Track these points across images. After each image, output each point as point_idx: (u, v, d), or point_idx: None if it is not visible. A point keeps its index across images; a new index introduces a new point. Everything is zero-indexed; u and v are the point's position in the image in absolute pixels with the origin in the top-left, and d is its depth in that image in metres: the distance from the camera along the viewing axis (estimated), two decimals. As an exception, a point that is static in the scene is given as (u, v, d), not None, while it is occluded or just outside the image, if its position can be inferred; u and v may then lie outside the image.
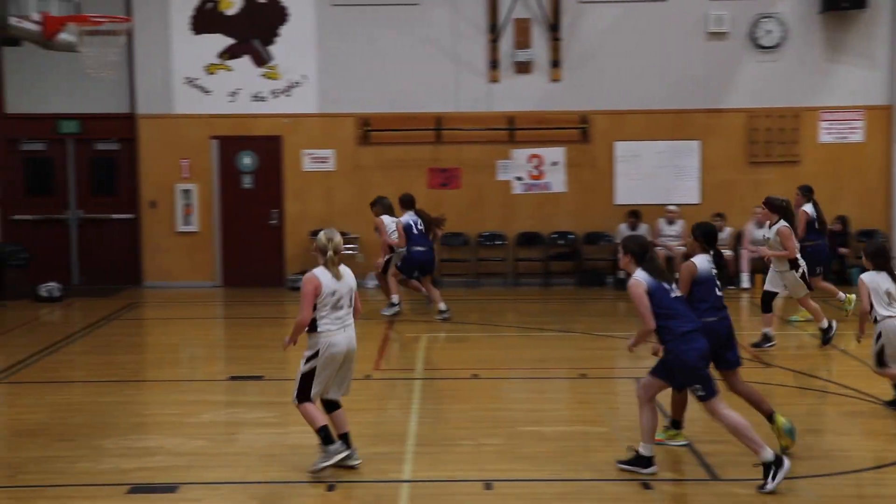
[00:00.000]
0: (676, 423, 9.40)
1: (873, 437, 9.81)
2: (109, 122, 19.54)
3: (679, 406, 9.34)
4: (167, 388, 12.12)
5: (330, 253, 8.60)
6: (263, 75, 19.44)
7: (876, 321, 10.10)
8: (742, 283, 18.43)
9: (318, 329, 8.54)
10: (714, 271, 9.06)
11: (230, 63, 19.43)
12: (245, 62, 19.43)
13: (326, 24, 19.30)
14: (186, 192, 19.47)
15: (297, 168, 19.48)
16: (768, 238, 13.01)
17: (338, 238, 8.70)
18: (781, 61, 19.27)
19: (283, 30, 19.40)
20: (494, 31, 19.20)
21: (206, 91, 19.40)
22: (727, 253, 18.30)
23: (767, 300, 13.20)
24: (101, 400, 11.26)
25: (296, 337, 8.65)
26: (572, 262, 19.49)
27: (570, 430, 9.90)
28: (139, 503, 8.09)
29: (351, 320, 8.74)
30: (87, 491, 8.35)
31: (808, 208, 14.80)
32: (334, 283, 8.57)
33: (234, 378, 12.16)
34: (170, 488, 8.35)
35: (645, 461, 8.60)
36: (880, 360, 10.21)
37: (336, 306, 8.58)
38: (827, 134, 19.44)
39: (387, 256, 16.02)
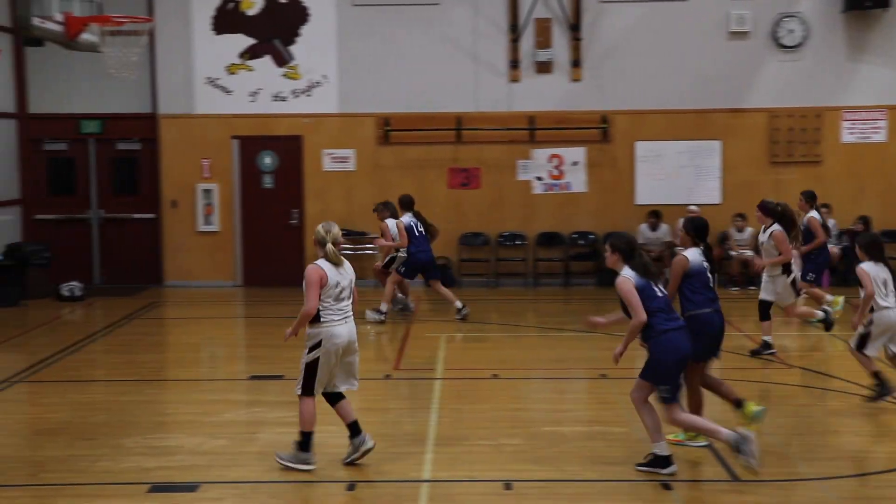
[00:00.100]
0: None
1: (892, 438, 9.76)
2: (131, 122, 19.62)
3: (695, 410, 9.31)
4: (188, 388, 12.16)
5: (329, 245, 8.68)
6: (284, 75, 19.48)
7: (872, 310, 10.32)
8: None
9: (321, 320, 8.62)
10: (705, 264, 9.14)
11: (251, 63, 19.48)
12: (266, 62, 19.47)
13: (347, 24, 19.32)
14: (207, 191, 19.53)
15: (318, 168, 19.52)
16: (762, 242, 12.86)
17: (336, 230, 8.78)
18: (803, 61, 19.18)
19: (304, 30, 19.44)
20: (515, 30, 19.18)
21: (227, 91, 19.46)
22: (747, 254, 18.29)
23: (764, 309, 12.95)
24: (123, 399, 11.31)
25: (299, 328, 8.72)
26: (592, 263, 19.44)
27: (590, 431, 9.88)
28: (160, 502, 8.11)
29: (351, 312, 8.84)
30: (108, 490, 8.39)
31: (816, 215, 14.74)
32: (337, 274, 8.67)
33: (254, 377, 12.19)
34: (190, 487, 8.38)
35: (663, 461, 8.57)
36: (862, 343, 10.46)
37: (338, 297, 8.68)
38: (849, 134, 19.34)
39: (389, 257, 15.99)
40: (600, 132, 19.32)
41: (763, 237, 12.83)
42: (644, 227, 18.88)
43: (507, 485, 8.41)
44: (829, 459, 9.08)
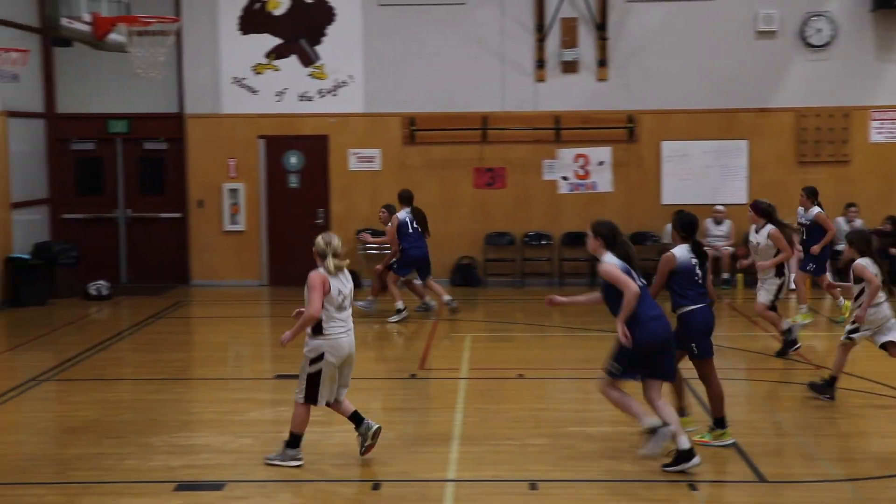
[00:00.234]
0: (720, 422, 9.33)
1: (924, 441, 9.70)
2: (158, 122, 19.71)
3: (717, 402, 9.30)
4: (214, 386, 12.20)
5: (329, 256, 8.70)
6: (310, 75, 19.52)
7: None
8: (789, 285, 18.17)
9: (325, 332, 8.65)
10: (694, 261, 9.15)
11: (277, 63, 19.53)
12: (292, 62, 19.52)
13: (373, 23, 19.34)
14: (233, 191, 19.59)
15: (344, 167, 19.55)
16: (758, 243, 12.72)
17: (336, 242, 8.82)
18: (831, 60, 19.06)
19: (330, 30, 19.47)
20: (541, 30, 19.15)
21: (253, 91, 19.52)
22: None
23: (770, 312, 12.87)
24: (149, 397, 11.36)
25: (299, 332, 8.71)
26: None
27: (616, 431, 9.84)
28: (186, 500, 8.14)
29: (352, 324, 8.87)
30: (135, 488, 8.42)
31: (821, 210, 14.66)
32: (339, 282, 8.71)
33: (280, 376, 12.21)
34: (216, 486, 8.41)
35: (686, 454, 8.52)
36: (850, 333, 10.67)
37: (340, 306, 8.72)
38: (878, 133, 19.20)
39: (394, 259, 15.97)
40: (626, 132, 19.27)
41: (758, 238, 12.67)
42: (670, 226, 18.77)
43: (533, 485, 8.40)
44: (856, 460, 9.03)
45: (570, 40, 19.23)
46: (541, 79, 19.30)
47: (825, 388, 10.83)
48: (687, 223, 9.33)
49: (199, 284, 19.65)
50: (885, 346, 10.61)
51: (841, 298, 14.73)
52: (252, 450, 9.32)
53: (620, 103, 19.23)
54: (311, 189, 19.62)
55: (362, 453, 8.96)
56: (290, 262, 19.56)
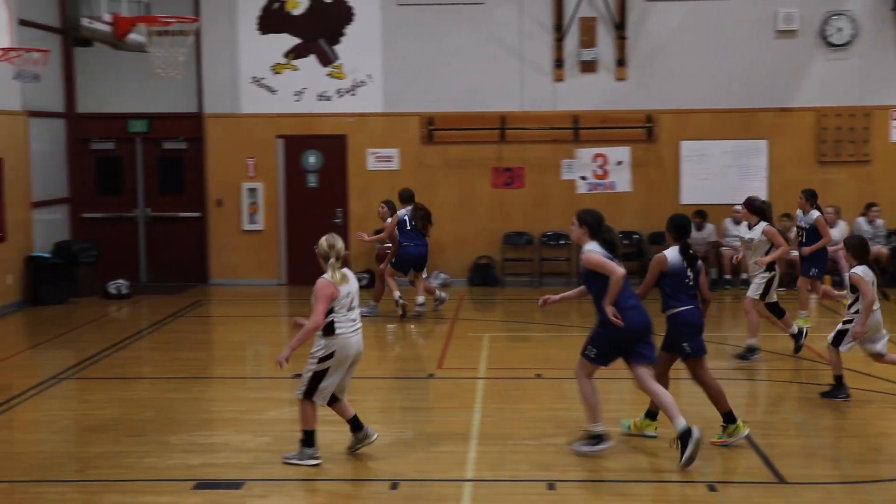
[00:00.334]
0: (729, 417, 9.31)
1: (945, 442, 9.65)
2: (177, 122, 19.78)
3: (719, 399, 9.33)
4: (233, 385, 12.24)
5: (332, 259, 8.75)
6: (329, 74, 19.55)
7: (858, 311, 10.52)
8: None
9: (336, 332, 8.70)
10: (685, 263, 9.23)
11: (296, 62, 19.57)
12: (311, 62, 19.55)
13: (392, 23, 19.36)
14: (252, 190, 19.64)
15: (362, 167, 19.57)
16: (752, 239, 12.64)
17: (340, 244, 8.87)
18: (852, 59, 18.98)
19: (349, 29, 19.49)
20: (560, 29, 19.12)
21: (272, 90, 19.56)
22: (793, 254, 18.10)
23: (774, 309, 12.82)
24: (169, 396, 11.40)
25: (299, 346, 8.69)
26: (637, 262, 19.32)
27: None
28: (205, 499, 8.17)
29: (360, 322, 8.92)
30: (155, 486, 8.46)
31: (820, 214, 14.61)
32: (345, 285, 8.74)
33: (298, 376, 12.18)
34: (235, 484, 8.43)
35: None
36: (839, 339, 10.68)
37: (350, 307, 8.78)
38: (899, 133, 19.14)
39: (389, 258, 15.99)
40: (645, 131, 19.23)
41: (752, 234, 12.62)
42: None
43: (551, 485, 8.39)
44: (878, 462, 8.99)
45: (588, 40, 19.20)
46: (559, 78, 19.28)
47: (837, 391, 10.82)
48: (679, 225, 9.43)
49: (218, 283, 19.71)
50: (871, 355, 10.71)
51: (805, 311, 14.79)
52: (270, 449, 9.34)
53: (639, 103, 19.18)
54: (330, 189, 19.65)
55: (351, 451, 9.05)
56: (308, 262, 19.42)
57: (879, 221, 18.35)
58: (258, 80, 19.54)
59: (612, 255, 8.84)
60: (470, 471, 8.75)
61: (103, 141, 19.87)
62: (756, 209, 12.63)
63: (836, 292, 11.78)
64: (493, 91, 19.27)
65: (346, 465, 8.96)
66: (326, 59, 19.55)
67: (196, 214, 19.86)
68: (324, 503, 8.33)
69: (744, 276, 18.53)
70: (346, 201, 19.62)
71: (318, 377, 8.77)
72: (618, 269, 8.69)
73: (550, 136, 19.29)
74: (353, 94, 19.53)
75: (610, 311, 8.75)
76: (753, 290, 12.68)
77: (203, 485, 8.44)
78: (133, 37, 14.50)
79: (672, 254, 9.25)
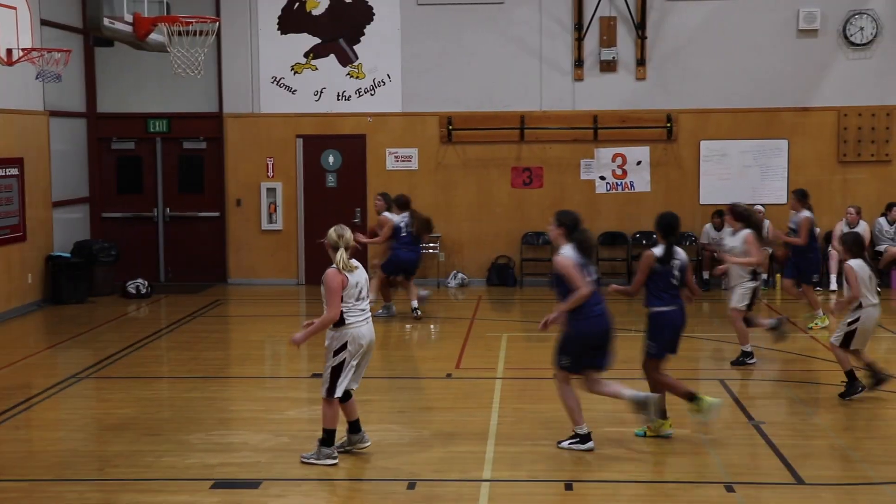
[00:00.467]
0: (691, 397, 9.53)
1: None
2: (197, 122, 19.83)
3: (670, 390, 9.60)
4: (251, 385, 12.27)
5: (341, 249, 8.79)
6: (348, 74, 19.57)
7: (861, 306, 10.66)
8: (830, 286, 18.05)
9: (346, 322, 8.75)
10: (674, 261, 9.40)
11: (316, 62, 19.60)
12: (330, 61, 19.58)
13: (411, 23, 19.36)
14: (271, 190, 19.68)
15: (381, 167, 19.58)
16: (734, 246, 12.53)
17: (348, 234, 8.94)
18: (874, 58, 18.87)
19: (369, 29, 19.51)
20: (580, 29, 19.08)
21: (291, 90, 19.60)
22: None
23: (746, 318, 12.56)
24: (187, 395, 11.44)
25: (314, 334, 8.86)
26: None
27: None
28: (223, 498, 8.19)
29: (370, 312, 8.99)
30: (172, 485, 8.48)
31: (810, 214, 14.51)
32: (354, 275, 8.78)
33: (316, 375, 12.22)
34: (253, 484, 8.45)
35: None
36: (847, 340, 10.74)
37: (359, 297, 8.83)
38: (920, 133, 19.01)
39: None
40: (665, 131, 19.17)
41: (734, 241, 12.50)
42: (708, 227, 18.69)
43: (568, 485, 8.38)
44: (897, 464, 8.93)
45: (608, 39, 19.15)
46: (579, 78, 19.24)
47: (852, 387, 10.79)
48: (667, 224, 9.57)
49: (237, 283, 19.75)
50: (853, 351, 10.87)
51: (820, 311, 14.68)
52: (288, 448, 9.36)
53: (659, 103, 19.13)
54: (349, 188, 19.66)
55: (338, 449, 9.07)
56: (327, 262, 19.45)
57: (901, 222, 18.26)
58: (278, 79, 19.58)
59: (586, 259, 9.01)
60: (488, 471, 8.75)
61: (123, 141, 19.94)
62: (739, 215, 12.44)
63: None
64: (513, 91, 19.25)
65: (364, 464, 8.97)
66: (346, 59, 19.57)
67: (215, 214, 19.91)
68: (341, 503, 8.34)
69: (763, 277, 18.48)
70: (365, 201, 19.62)
71: (336, 372, 8.80)
72: (583, 289, 8.87)
73: (570, 136, 19.25)
74: (372, 94, 19.55)
75: (555, 315, 9.07)
76: (738, 300, 12.41)
77: (221, 484, 8.46)
78: (154, 37, 14.52)
79: (660, 251, 9.43)
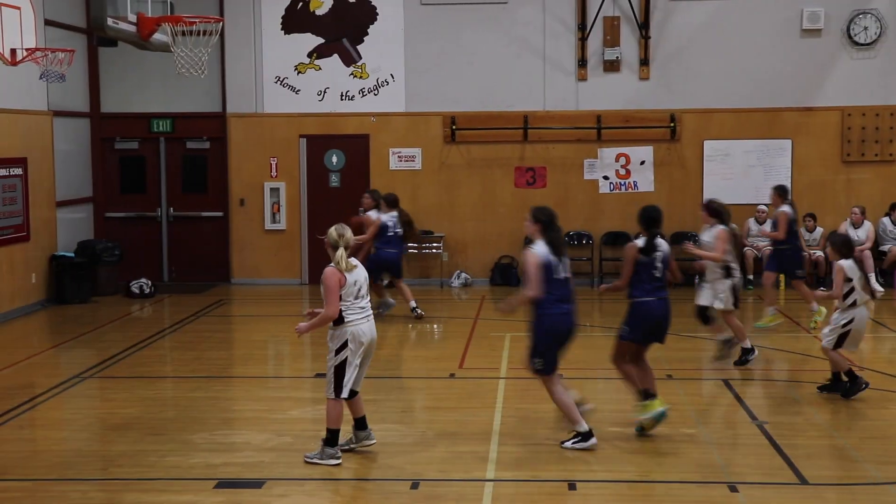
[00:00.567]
0: (646, 394, 9.69)
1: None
2: (200, 121, 19.84)
3: (645, 377, 9.75)
4: (254, 385, 12.28)
5: (341, 248, 8.83)
6: (352, 74, 19.58)
7: (855, 305, 10.72)
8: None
9: (345, 320, 8.78)
10: (657, 253, 9.54)
11: (319, 62, 19.60)
12: (334, 61, 19.58)
13: (415, 23, 19.36)
14: (275, 190, 19.69)
15: (385, 166, 19.58)
16: (707, 242, 12.46)
17: (349, 233, 8.98)
18: (878, 58, 18.86)
19: (372, 29, 19.51)
20: (583, 29, 19.07)
21: (295, 90, 19.60)
22: (818, 254, 18.05)
23: (702, 314, 12.47)
24: (191, 395, 11.44)
25: (314, 328, 8.98)
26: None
27: (656, 432, 9.78)
28: (226, 498, 8.19)
29: (371, 311, 9.02)
30: (176, 485, 8.49)
31: (788, 209, 14.47)
32: (353, 274, 8.83)
33: (320, 375, 12.23)
34: (256, 484, 8.45)
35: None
36: (841, 342, 10.79)
37: (358, 295, 8.86)
38: (924, 132, 18.99)
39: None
40: (668, 131, 19.16)
41: (706, 238, 12.48)
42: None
43: (572, 485, 8.37)
44: (903, 464, 8.91)
45: (612, 39, 19.15)
46: (582, 78, 19.24)
47: (854, 385, 10.81)
48: (649, 217, 9.74)
49: (241, 283, 19.76)
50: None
51: (815, 304, 14.63)
52: (292, 448, 9.36)
53: (662, 102, 19.12)
54: (352, 188, 19.65)
55: (343, 447, 9.10)
56: (330, 261, 19.57)
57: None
58: (281, 79, 19.59)
59: (557, 255, 9.15)
60: (491, 470, 8.75)
61: (127, 140, 19.96)
62: (714, 212, 12.35)
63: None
64: (516, 90, 19.25)
65: (367, 464, 8.97)
66: (349, 59, 19.58)
67: (219, 214, 19.92)
68: (344, 502, 8.34)
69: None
70: (368, 201, 19.60)
71: (340, 371, 8.81)
72: (532, 293, 9.00)
73: (573, 136, 19.25)
74: (375, 94, 19.55)
75: (506, 304, 9.40)
76: (724, 304, 12.25)
77: (224, 484, 8.46)
78: (157, 37, 14.54)
79: (642, 243, 9.62)
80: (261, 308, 17.67)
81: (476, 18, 19.25)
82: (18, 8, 13.17)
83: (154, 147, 20.00)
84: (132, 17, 14.27)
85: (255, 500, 8.14)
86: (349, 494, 8.43)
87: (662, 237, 9.88)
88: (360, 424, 9.20)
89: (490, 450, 9.28)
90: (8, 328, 15.71)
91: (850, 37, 18.84)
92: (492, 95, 19.28)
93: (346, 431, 9.20)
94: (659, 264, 9.61)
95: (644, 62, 19.14)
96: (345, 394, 8.84)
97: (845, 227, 18.27)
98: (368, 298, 9.02)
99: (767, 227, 18.32)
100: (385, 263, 15.85)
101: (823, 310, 14.35)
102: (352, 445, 9.20)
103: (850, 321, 10.75)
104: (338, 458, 8.85)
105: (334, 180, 19.78)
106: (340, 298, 8.76)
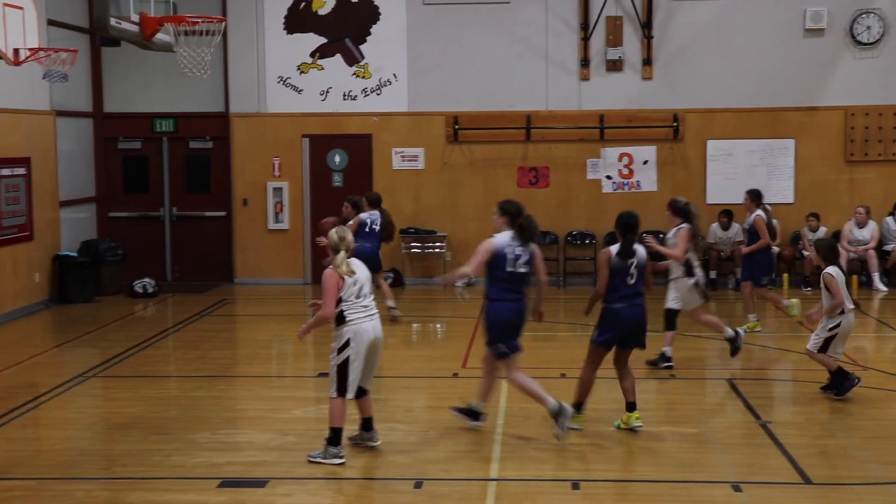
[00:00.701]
0: (578, 407, 9.83)
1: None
2: (203, 121, 19.85)
3: (583, 388, 9.92)
4: (258, 384, 12.28)
5: (342, 252, 8.87)
6: (354, 74, 19.58)
7: (843, 311, 10.71)
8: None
9: (347, 319, 8.81)
10: (629, 261, 9.62)
11: (322, 62, 19.61)
12: (336, 61, 19.59)
13: (417, 23, 19.37)
14: (278, 190, 19.70)
15: (387, 166, 19.58)
16: (671, 242, 12.39)
17: (349, 237, 9.05)
18: (881, 58, 18.85)
19: (375, 29, 19.52)
20: (586, 28, 19.08)
21: (297, 90, 19.61)
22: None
23: (670, 318, 12.42)
24: (194, 395, 11.45)
25: (312, 329, 9.05)
26: (663, 262, 19.23)
27: (659, 431, 9.80)
28: (229, 497, 8.19)
29: (376, 309, 9.04)
30: (180, 484, 8.49)
31: (763, 214, 14.43)
32: (351, 275, 8.87)
33: (323, 374, 12.23)
34: (259, 483, 8.46)
35: (475, 414, 9.71)
36: (826, 345, 10.78)
37: (360, 294, 8.90)
38: (927, 132, 18.97)
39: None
40: (671, 131, 19.15)
41: (671, 236, 12.47)
42: (715, 226, 18.68)
43: (575, 484, 8.37)
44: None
45: (614, 39, 19.15)
46: (585, 77, 19.23)
47: (845, 383, 10.77)
48: (625, 223, 9.80)
49: (244, 282, 19.77)
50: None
51: (784, 300, 14.58)
52: (295, 447, 9.36)
53: (665, 102, 19.12)
54: (355, 188, 19.60)
55: (350, 442, 9.19)
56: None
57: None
58: (284, 79, 19.60)
59: (523, 245, 9.47)
60: (494, 470, 8.74)
61: (130, 140, 19.97)
62: (678, 211, 12.32)
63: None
64: (519, 90, 19.25)
65: (371, 463, 8.97)
66: (352, 59, 19.58)
67: (222, 214, 19.93)
68: (347, 502, 8.34)
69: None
70: (371, 200, 19.59)
71: (343, 370, 8.81)
72: (473, 270, 9.38)
73: (576, 136, 19.25)
74: (378, 94, 19.55)
75: (444, 279, 9.98)
76: (693, 302, 12.26)
77: (228, 483, 8.46)
78: (160, 37, 14.54)
79: (615, 248, 9.69)
80: (264, 308, 17.68)
81: (478, 18, 19.25)
82: (21, 8, 13.17)
83: (157, 147, 20.01)
84: (135, 17, 14.27)
85: (258, 500, 8.14)
86: (353, 493, 8.43)
87: (641, 242, 10.02)
88: (367, 425, 9.23)
89: (493, 449, 9.27)
90: (11, 328, 15.73)
91: (853, 36, 18.83)
92: (494, 95, 19.27)
93: (349, 431, 9.20)
94: (633, 271, 9.64)
95: (647, 62, 19.14)
96: (350, 393, 8.84)
97: (850, 227, 18.28)
98: (372, 297, 9.02)
99: (733, 232, 18.33)
100: (360, 258, 15.75)
101: (795, 301, 14.29)
102: (358, 441, 9.25)
103: (838, 325, 10.74)
104: (341, 457, 8.86)
105: (337, 180, 19.78)
106: (341, 299, 8.76)
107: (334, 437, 8.87)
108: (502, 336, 9.43)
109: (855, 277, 18.16)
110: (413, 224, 19.39)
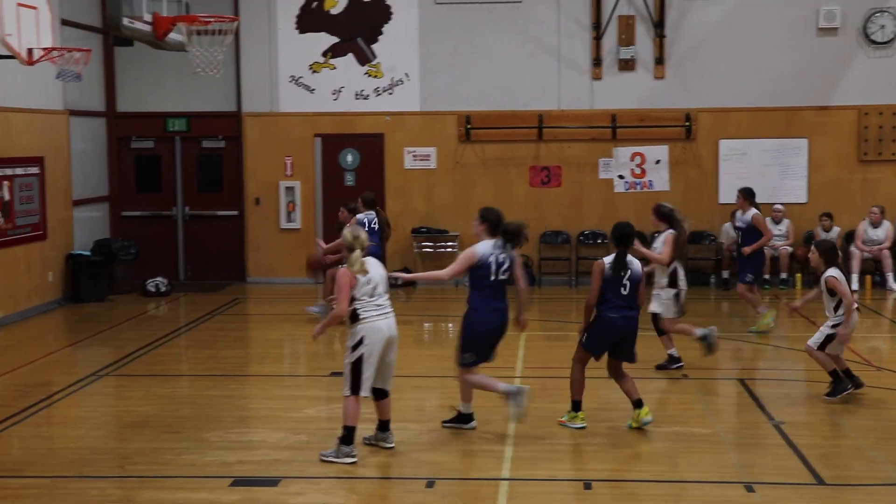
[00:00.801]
0: (576, 405, 9.88)
1: None
2: (216, 121, 19.88)
3: (576, 388, 9.88)
4: (270, 383, 12.30)
5: (357, 250, 8.88)
6: (366, 73, 19.59)
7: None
8: (852, 285, 17.92)
9: (360, 317, 8.83)
10: (622, 272, 9.60)
11: (334, 61, 19.62)
12: (349, 60, 19.60)
13: (429, 22, 19.36)
14: (290, 189, 19.72)
15: (399, 166, 19.59)
16: (656, 247, 12.36)
17: (363, 235, 9.07)
18: (895, 56, 18.77)
19: (387, 28, 19.52)
20: (598, 28, 19.05)
21: (310, 89, 19.63)
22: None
23: (658, 322, 12.34)
24: (206, 393, 11.47)
25: (327, 328, 9.14)
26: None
27: (671, 431, 9.78)
28: (241, 496, 8.20)
29: (391, 308, 9.06)
30: (192, 483, 8.51)
31: (758, 212, 14.37)
32: (365, 274, 8.90)
33: (335, 374, 12.24)
34: (271, 482, 8.46)
35: (466, 418, 9.70)
36: (825, 344, 10.75)
37: (374, 293, 8.90)
38: (941, 131, 18.89)
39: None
40: (683, 130, 19.11)
41: (657, 242, 12.41)
42: (727, 226, 18.62)
43: (587, 484, 8.36)
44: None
45: (627, 38, 19.12)
46: (597, 77, 19.21)
47: (839, 386, 10.72)
48: (620, 234, 9.85)
49: (256, 282, 19.80)
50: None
51: (761, 307, 14.48)
52: (307, 446, 9.37)
53: (678, 101, 19.08)
54: (367, 187, 19.59)
55: (365, 440, 9.25)
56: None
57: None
58: (296, 78, 19.62)
59: (507, 251, 9.44)
60: (506, 470, 8.74)
61: (143, 140, 20.01)
62: (663, 215, 12.27)
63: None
64: (531, 89, 19.23)
65: (383, 462, 8.98)
66: (364, 58, 19.59)
67: (234, 213, 19.96)
68: (360, 501, 8.35)
69: (783, 276, 18.41)
70: (383, 200, 19.60)
71: (356, 368, 8.82)
72: (451, 274, 9.46)
73: (588, 135, 19.22)
74: (390, 93, 19.56)
75: (411, 276, 10.19)
76: (668, 312, 12.20)
77: (240, 482, 8.47)
78: (173, 36, 14.58)
79: (609, 260, 9.70)
80: (276, 307, 17.70)
81: (490, 17, 19.24)
82: (35, 8, 13.22)
83: (170, 146, 20.05)
84: (148, 17, 14.31)
85: (270, 499, 8.15)
86: (365, 493, 8.44)
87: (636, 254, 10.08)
88: (383, 427, 9.24)
89: (505, 449, 9.27)
90: (25, 326, 15.78)
91: (866, 35, 18.77)
92: (506, 94, 19.26)
93: (365, 431, 9.21)
94: (626, 282, 9.63)
95: (659, 61, 19.10)
96: (364, 392, 8.84)
97: (864, 227, 18.21)
98: (387, 296, 9.03)
99: (725, 237, 18.29)
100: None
101: (771, 315, 14.22)
102: (374, 442, 9.27)
103: (838, 325, 10.66)
104: (353, 456, 8.86)
105: (349, 179, 19.80)
106: (354, 298, 8.78)
107: (347, 436, 8.87)
108: (478, 345, 9.46)
109: (868, 277, 18.10)
110: (425, 223, 19.39)
